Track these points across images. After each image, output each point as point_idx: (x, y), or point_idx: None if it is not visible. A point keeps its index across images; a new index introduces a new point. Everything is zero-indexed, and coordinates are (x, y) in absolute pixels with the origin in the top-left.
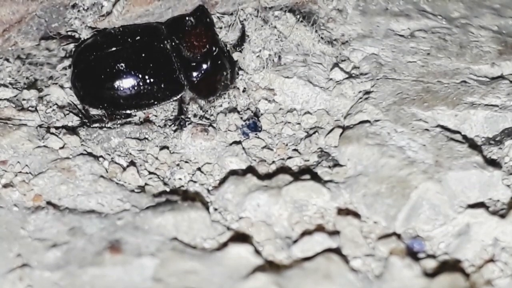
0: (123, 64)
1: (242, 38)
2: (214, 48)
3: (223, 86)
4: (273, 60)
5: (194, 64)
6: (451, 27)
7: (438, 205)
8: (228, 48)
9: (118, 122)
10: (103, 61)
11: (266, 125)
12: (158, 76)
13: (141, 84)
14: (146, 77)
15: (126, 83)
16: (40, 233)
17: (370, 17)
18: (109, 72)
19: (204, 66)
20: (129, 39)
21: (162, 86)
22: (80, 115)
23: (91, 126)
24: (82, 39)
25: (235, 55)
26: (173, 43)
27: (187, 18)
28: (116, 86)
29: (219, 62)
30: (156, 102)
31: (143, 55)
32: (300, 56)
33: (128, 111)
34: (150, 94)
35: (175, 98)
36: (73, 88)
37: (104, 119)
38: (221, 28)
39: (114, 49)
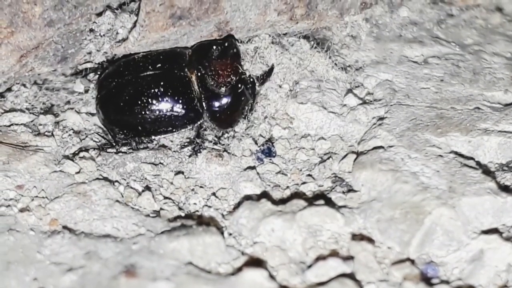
0: (142, 91)
1: (269, 74)
2: (239, 84)
3: (242, 118)
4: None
5: (217, 95)
6: (465, 53)
7: (451, 231)
8: (251, 79)
9: (141, 146)
10: (123, 88)
11: (281, 150)
12: (178, 104)
13: (159, 111)
14: (165, 104)
15: (145, 110)
16: (56, 257)
17: (384, 43)
18: (128, 99)
19: (226, 100)
20: (150, 67)
21: (181, 114)
22: (108, 138)
23: (120, 148)
24: (100, 65)
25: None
26: (199, 73)
27: (214, 47)
28: (134, 112)
29: (243, 98)
30: (174, 130)
31: (162, 83)
32: (314, 82)
33: (151, 137)
34: (168, 122)
35: (194, 125)
36: (97, 113)
37: (132, 142)
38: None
39: (135, 75)
